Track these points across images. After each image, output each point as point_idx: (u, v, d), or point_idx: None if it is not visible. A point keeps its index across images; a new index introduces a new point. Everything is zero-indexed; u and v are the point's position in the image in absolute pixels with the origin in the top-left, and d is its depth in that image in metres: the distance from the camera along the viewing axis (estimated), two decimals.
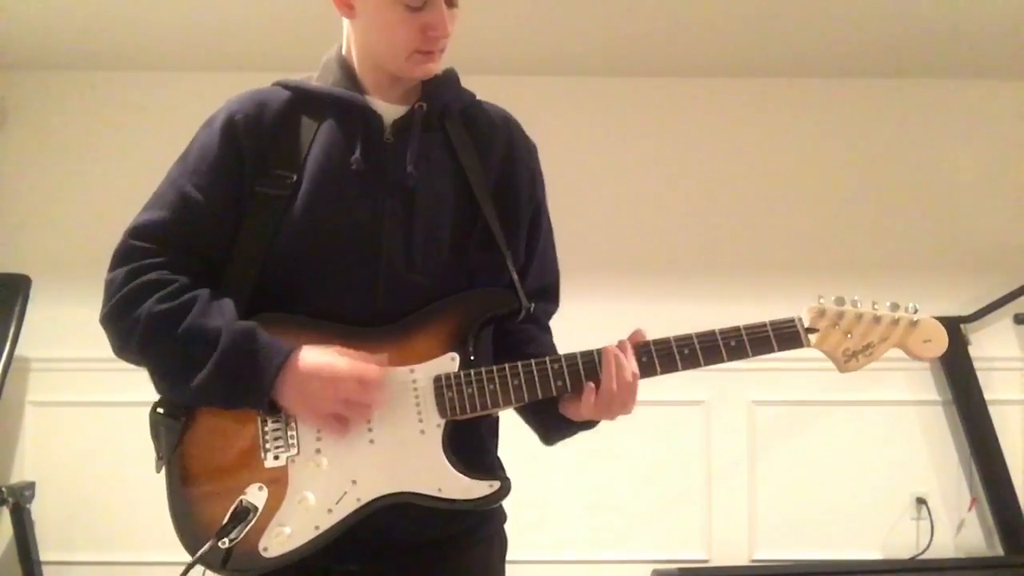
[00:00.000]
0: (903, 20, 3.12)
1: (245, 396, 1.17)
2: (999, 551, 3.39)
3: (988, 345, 3.51)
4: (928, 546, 3.44)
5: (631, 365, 1.22)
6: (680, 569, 3.30)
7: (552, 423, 1.30)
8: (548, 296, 1.43)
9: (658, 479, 3.48)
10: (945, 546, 3.47)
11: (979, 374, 3.44)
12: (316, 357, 1.16)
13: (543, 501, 3.34)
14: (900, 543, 3.46)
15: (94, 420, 3.39)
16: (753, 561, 3.46)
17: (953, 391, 3.48)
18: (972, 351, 3.47)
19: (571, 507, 3.43)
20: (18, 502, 3.13)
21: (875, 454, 3.49)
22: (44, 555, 3.22)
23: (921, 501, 3.47)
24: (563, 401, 1.26)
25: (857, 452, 3.49)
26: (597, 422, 1.28)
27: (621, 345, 1.24)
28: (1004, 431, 3.43)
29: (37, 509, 3.25)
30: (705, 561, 3.46)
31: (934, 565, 3.34)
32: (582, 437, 1.34)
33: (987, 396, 3.44)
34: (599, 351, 1.24)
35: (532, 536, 3.30)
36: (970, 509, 3.49)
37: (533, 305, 1.33)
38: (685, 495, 3.49)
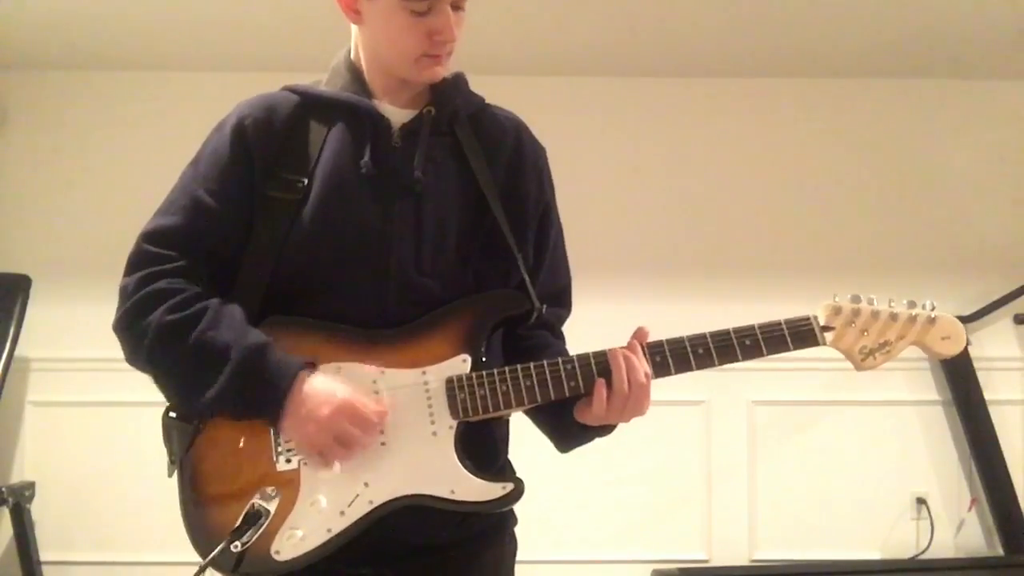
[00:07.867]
0: (903, 20, 3.12)
1: (257, 413, 1.17)
2: (999, 551, 3.40)
3: (988, 345, 3.51)
4: (928, 546, 3.44)
5: (643, 365, 1.20)
6: (680, 569, 3.30)
7: (568, 429, 1.28)
8: (560, 301, 1.41)
9: (658, 479, 3.47)
10: (945, 546, 3.47)
11: (979, 374, 3.44)
12: (320, 386, 1.16)
13: (543, 501, 3.33)
14: (900, 543, 3.46)
15: (94, 420, 3.39)
16: (753, 561, 3.46)
17: (953, 391, 3.48)
18: (972, 351, 3.46)
19: (571, 507, 3.43)
20: (18, 502, 3.13)
21: (875, 454, 3.49)
22: (44, 555, 3.21)
23: (921, 501, 3.48)
24: (577, 407, 1.24)
25: (857, 452, 3.49)
26: (613, 427, 1.26)
27: (630, 346, 1.22)
28: (1004, 431, 3.44)
29: (37, 509, 3.25)
30: (705, 561, 3.46)
31: (934, 565, 3.34)
32: None
33: (987, 396, 3.44)
34: (605, 352, 1.22)
35: (532, 536, 3.29)
36: (970, 509, 3.49)
37: (544, 307, 1.32)
38: (685, 495, 3.49)
